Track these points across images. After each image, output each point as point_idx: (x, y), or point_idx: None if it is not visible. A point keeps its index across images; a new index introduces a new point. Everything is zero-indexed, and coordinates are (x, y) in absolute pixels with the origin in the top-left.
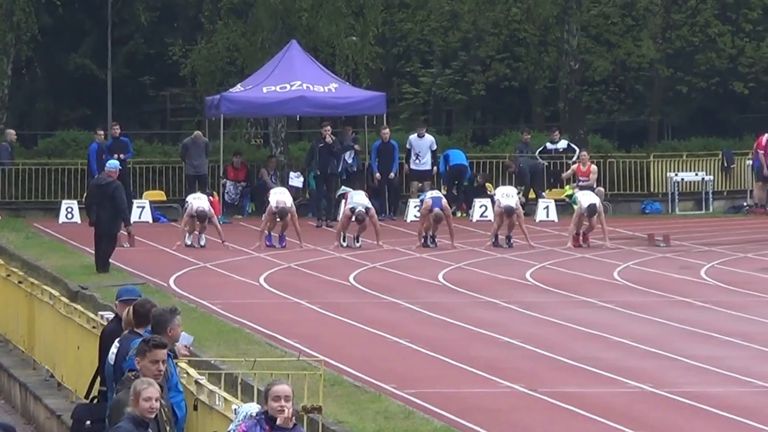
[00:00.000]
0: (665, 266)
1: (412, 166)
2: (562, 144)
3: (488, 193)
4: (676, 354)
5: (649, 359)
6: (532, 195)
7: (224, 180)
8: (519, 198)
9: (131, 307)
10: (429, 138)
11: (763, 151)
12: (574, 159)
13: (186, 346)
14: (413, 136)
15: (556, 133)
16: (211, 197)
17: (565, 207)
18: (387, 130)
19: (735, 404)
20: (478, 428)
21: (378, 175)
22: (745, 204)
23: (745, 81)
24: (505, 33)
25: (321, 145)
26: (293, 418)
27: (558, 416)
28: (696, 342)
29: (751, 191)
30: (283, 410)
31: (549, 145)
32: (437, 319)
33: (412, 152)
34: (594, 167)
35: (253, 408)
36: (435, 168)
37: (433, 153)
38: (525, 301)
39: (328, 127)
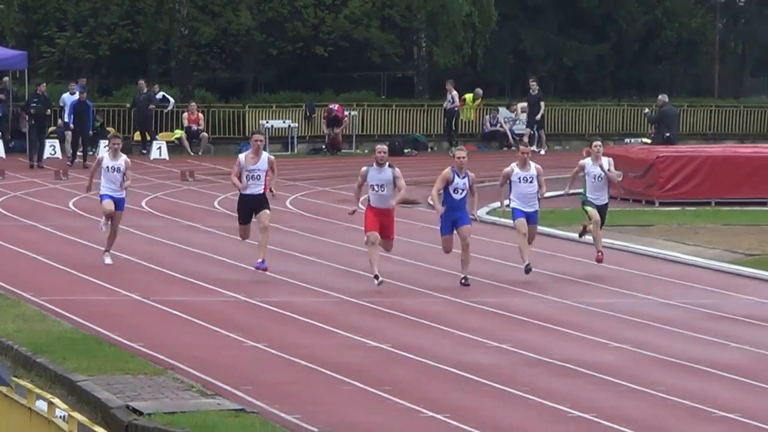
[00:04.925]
0: None
1: (66, 120)
2: (160, 95)
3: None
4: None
5: (243, 273)
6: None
7: None
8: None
9: None
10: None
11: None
12: (171, 108)
13: None
14: (66, 95)
15: (156, 86)
16: None
17: (175, 147)
18: (80, 88)
19: (313, 311)
20: (101, 329)
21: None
22: (323, 147)
23: (325, 45)
24: (127, 3)
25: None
26: None
27: (168, 320)
28: (282, 260)
29: (328, 135)
30: None
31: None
32: (66, 238)
33: (66, 108)
34: (201, 115)
35: None
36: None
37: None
38: (141, 225)
39: (43, 85)
